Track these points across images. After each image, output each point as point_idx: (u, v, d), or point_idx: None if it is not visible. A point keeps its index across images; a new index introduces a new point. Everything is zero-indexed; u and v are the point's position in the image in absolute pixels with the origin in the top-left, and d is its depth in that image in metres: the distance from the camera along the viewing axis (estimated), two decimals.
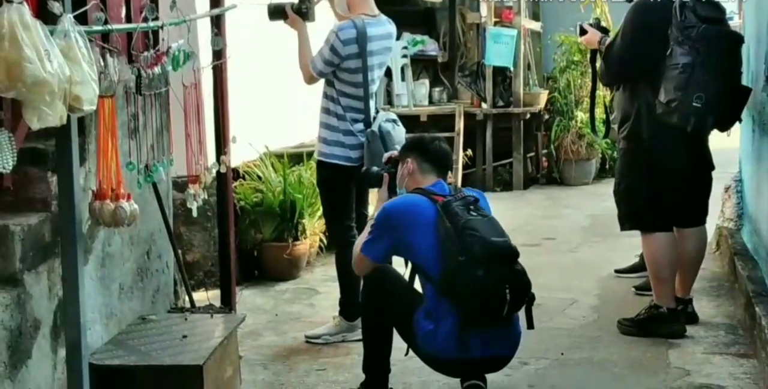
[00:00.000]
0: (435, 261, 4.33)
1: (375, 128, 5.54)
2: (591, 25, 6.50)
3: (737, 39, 5.57)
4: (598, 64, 6.14)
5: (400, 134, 5.65)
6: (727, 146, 7.62)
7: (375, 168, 4.95)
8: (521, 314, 4.46)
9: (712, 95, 5.23)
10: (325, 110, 5.65)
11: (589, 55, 6.65)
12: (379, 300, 4.60)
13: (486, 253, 4.24)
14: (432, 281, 4.36)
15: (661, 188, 5.62)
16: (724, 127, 5.65)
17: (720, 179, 7.64)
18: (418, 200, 4.49)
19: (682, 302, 5.80)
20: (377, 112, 5.72)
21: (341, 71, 5.55)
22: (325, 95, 5.66)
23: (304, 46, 5.62)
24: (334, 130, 5.60)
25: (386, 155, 4.97)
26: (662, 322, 5.64)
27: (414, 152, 4.68)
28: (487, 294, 4.23)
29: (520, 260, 4.42)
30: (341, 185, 5.65)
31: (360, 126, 5.58)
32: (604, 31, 6.45)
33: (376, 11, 5.68)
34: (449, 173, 4.76)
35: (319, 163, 5.72)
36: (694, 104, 5.21)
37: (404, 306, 4.49)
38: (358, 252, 4.61)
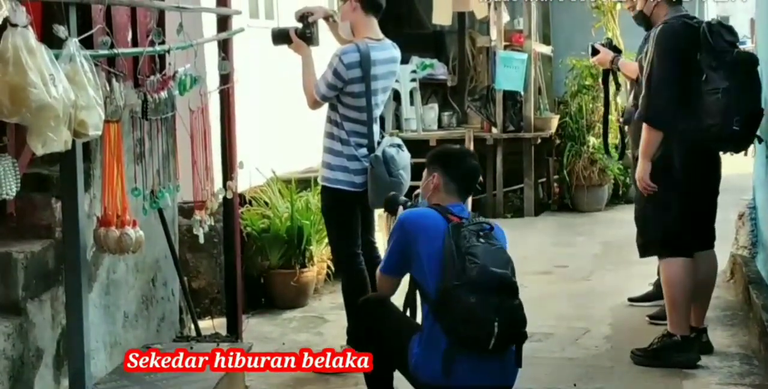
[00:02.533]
0: (434, 279, 4.27)
1: (378, 152, 5.47)
2: (603, 45, 6.48)
3: (755, 60, 5.58)
4: (612, 89, 6.08)
5: (404, 159, 5.59)
6: (741, 171, 7.55)
7: (403, 198, 4.86)
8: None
9: (747, 118, 5.36)
10: (329, 135, 5.57)
11: (601, 77, 6.61)
12: (374, 331, 4.54)
13: (482, 281, 4.17)
14: (428, 300, 4.30)
15: (686, 213, 5.58)
16: (741, 147, 5.67)
17: (734, 206, 7.57)
18: (432, 214, 4.42)
19: (696, 331, 5.72)
20: (382, 137, 5.66)
21: (345, 95, 5.48)
22: (329, 120, 5.58)
23: (308, 71, 5.56)
24: (338, 155, 5.53)
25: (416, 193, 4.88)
26: (676, 351, 5.55)
27: (443, 167, 4.54)
28: (474, 322, 4.16)
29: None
30: (346, 211, 5.57)
31: (364, 151, 5.51)
32: (617, 50, 6.42)
33: (381, 35, 5.62)
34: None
35: (324, 188, 5.65)
36: (734, 127, 5.30)
37: (398, 335, 4.42)
38: (377, 272, 4.60)
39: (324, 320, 6.74)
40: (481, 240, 4.28)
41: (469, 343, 4.20)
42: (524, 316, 4.31)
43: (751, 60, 5.48)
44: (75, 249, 3.76)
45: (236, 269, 5.70)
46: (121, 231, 3.90)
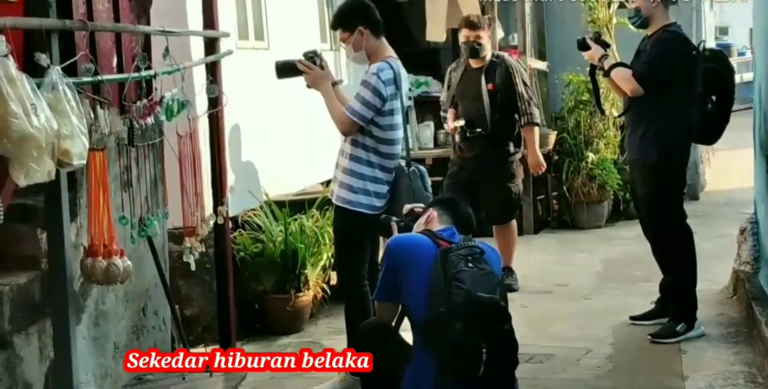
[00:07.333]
0: (422, 306, 4.18)
1: (414, 168, 5.46)
2: (592, 39, 6.50)
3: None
4: (599, 77, 6.55)
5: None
6: (742, 185, 7.47)
7: (394, 218, 4.78)
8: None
9: None
10: (354, 158, 5.43)
11: (587, 69, 6.83)
12: (374, 359, 4.45)
13: (467, 307, 4.06)
14: (416, 328, 4.24)
15: None
16: None
17: (736, 220, 7.49)
18: (421, 239, 4.36)
19: None
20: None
21: (378, 115, 5.40)
22: (355, 143, 5.43)
23: (331, 99, 5.40)
24: (361, 178, 5.41)
25: (408, 207, 4.81)
26: None
27: (440, 205, 4.60)
28: (461, 350, 4.06)
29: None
30: (360, 234, 5.47)
31: (388, 175, 5.44)
32: (605, 45, 6.50)
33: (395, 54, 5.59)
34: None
35: (341, 210, 5.50)
36: None
37: (395, 364, 4.33)
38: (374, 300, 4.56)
39: (320, 345, 6.59)
40: (470, 265, 4.18)
41: (457, 371, 4.10)
42: (515, 341, 4.20)
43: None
44: (61, 281, 3.69)
45: (229, 295, 5.62)
46: (108, 261, 3.84)
